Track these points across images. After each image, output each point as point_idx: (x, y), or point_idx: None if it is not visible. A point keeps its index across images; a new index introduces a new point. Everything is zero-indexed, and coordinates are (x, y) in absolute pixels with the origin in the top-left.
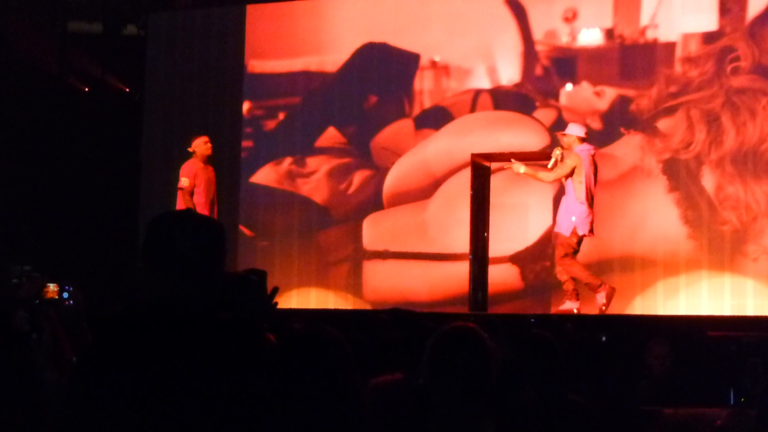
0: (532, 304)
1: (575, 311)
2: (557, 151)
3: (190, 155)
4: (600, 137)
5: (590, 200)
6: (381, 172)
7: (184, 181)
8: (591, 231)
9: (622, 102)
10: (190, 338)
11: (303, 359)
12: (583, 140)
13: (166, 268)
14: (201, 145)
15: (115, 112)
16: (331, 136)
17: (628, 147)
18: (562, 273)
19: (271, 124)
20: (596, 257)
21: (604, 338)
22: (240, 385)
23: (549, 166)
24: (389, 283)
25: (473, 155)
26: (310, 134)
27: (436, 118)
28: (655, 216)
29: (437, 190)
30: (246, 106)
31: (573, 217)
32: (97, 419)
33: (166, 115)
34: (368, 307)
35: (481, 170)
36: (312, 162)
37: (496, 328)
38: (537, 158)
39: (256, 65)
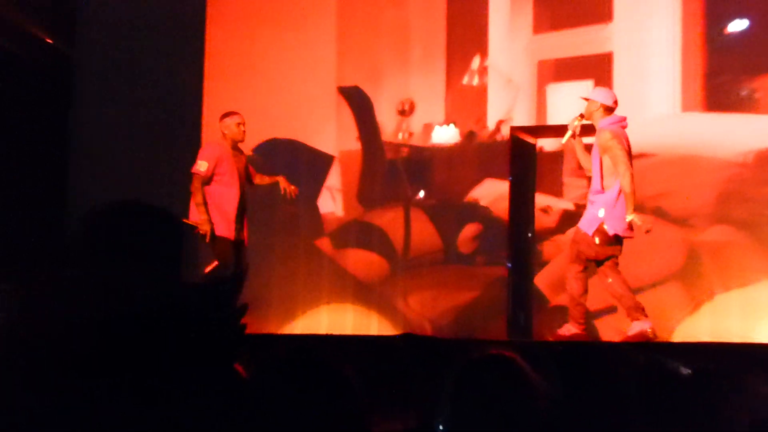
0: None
1: (649, 332)
2: (576, 122)
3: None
4: None
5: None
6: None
7: (200, 165)
8: (630, 230)
9: None
10: (139, 366)
11: (290, 394)
12: (611, 111)
13: (107, 272)
14: (232, 126)
15: (38, 71)
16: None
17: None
18: (612, 285)
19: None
20: (684, 269)
21: (689, 371)
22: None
23: (563, 141)
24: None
25: (513, 129)
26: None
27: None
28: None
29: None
30: (208, 65)
31: (601, 211)
32: None
33: (103, 74)
34: (416, 331)
35: (523, 149)
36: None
37: (543, 357)
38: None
39: (217, 10)
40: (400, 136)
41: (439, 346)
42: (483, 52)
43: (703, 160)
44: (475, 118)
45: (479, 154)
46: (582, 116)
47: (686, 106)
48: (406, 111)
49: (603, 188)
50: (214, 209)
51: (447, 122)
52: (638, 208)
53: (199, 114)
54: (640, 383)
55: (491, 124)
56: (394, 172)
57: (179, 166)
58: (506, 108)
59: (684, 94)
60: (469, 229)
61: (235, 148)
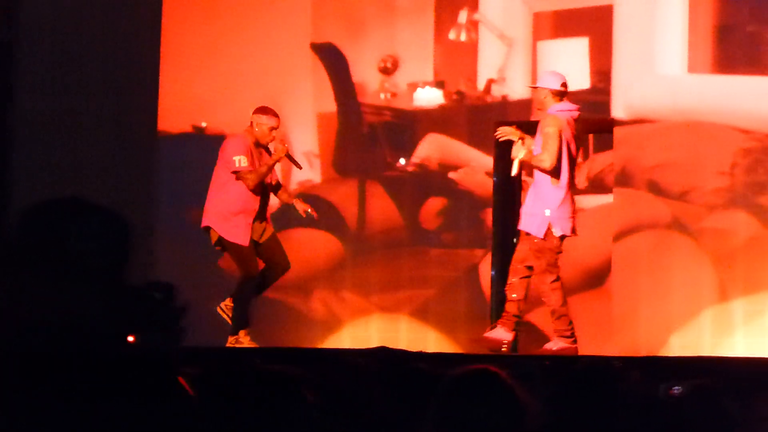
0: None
1: (504, 344)
2: (520, 153)
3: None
4: None
5: (570, 185)
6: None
7: (240, 161)
8: (573, 230)
9: None
10: (78, 384)
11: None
12: (561, 96)
13: (44, 278)
14: (263, 127)
15: None
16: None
17: None
18: (515, 287)
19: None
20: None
21: (678, 390)
22: None
23: (513, 173)
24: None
25: (498, 125)
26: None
27: None
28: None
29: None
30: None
31: (547, 210)
32: None
33: (50, 61)
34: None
35: (508, 145)
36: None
37: (532, 373)
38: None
39: None
40: (382, 96)
41: (415, 361)
42: (474, 2)
43: (709, 128)
44: (465, 76)
45: (468, 118)
46: (523, 140)
47: (693, 67)
48: (389, 69)
49: (552, 184)
50: (225, 211)
51: (435, 81)
52: (628, 183)
53: (154, 95)
54: (633, 400)
55: (481, 84)
56: (373, 137)
57: (133, 159)
58: (498, 65)
59: (691, 52)
60: (435, 204)
61: (260, 146)
